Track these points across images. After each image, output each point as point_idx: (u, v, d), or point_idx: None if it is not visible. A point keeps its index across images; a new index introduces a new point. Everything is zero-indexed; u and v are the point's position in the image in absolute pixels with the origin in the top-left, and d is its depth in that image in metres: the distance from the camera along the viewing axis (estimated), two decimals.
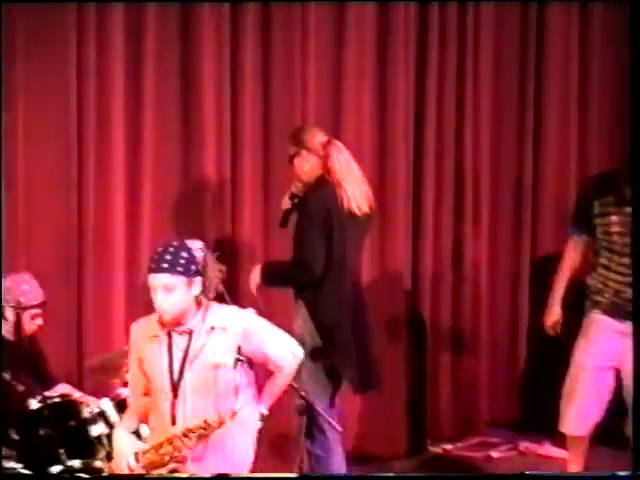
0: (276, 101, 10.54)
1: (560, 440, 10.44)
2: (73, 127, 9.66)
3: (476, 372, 11.57)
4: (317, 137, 9.15)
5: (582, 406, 9.07)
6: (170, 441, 6.82)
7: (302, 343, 8.47)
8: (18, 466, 7.69)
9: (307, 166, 9.06)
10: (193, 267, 6.92)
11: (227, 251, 9.99)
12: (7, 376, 8.03)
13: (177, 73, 10.14)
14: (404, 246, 11.24)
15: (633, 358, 8.39)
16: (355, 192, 9.04)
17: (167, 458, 6.87)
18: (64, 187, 9.68)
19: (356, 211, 8.96)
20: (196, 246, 7.19)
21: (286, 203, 9.21)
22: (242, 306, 8.21)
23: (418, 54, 11.26)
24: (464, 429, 11.40)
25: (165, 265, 6.78)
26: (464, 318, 11.54)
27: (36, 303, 8.42)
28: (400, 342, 11.10)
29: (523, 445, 11.00)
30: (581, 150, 11.99)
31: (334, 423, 8.77)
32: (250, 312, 7.25)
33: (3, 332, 8.48)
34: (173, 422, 6.90)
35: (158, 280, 6.81)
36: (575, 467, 9.15)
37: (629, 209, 8.89)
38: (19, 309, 8.40)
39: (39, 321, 8.43)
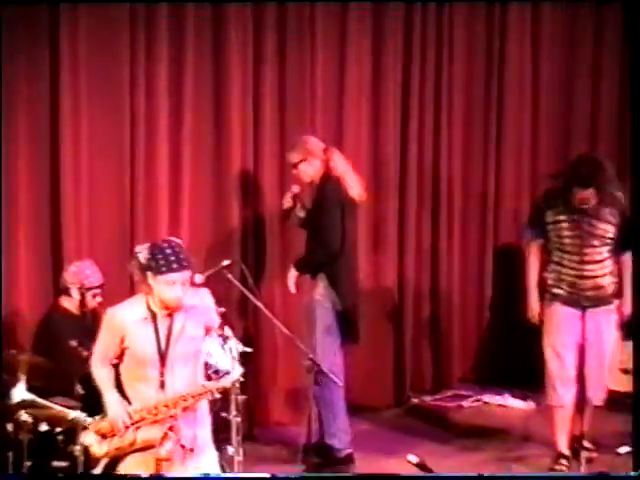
0: (290, 111, 10.62)
1: (517, 393, 11.32)
2: (126, 139, 9.75)
3: (450, 337, 11.75)
4: (318, 145, 9.59)
5: (558, 380, 9.12)
6: (166, 404, 6.91)
7: (322, 307, 9.38)
8: (83, 414, 7.56)
9: (312, 170, 9.50)
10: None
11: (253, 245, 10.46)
12: (74, 343, 8.32)
13: (210, 92, 10.19)
14: (395, 240, 11.43)
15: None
16: (354, 184, 9.55)
17: (160, 416, 6.94)
18: (119, 189, 9.81)
19: (357, 198, 9.53)
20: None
21: (287, 202, 9.64)
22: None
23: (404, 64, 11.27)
24: (440, 384, 11.65)
25: (185, 263, 6.86)
26: (441, 294, 11.69)
27: (96, 284, 8.68)
28: (389, 312, 11.34)
29: (487, 397, 11.33)
30: (534, 161, 12.05)
31: (336, 379, 9.09)
32: (205, 291, 7.37)
33: (70, 307, 8.76)
34: (162, 387, 6.99)
35: (182, 276, 6.88)
36: (562, 435, 9.11)
37: (576, 216, 9.04)
38: (83, 289, 8.68)
39: (99, 299, 8.64)
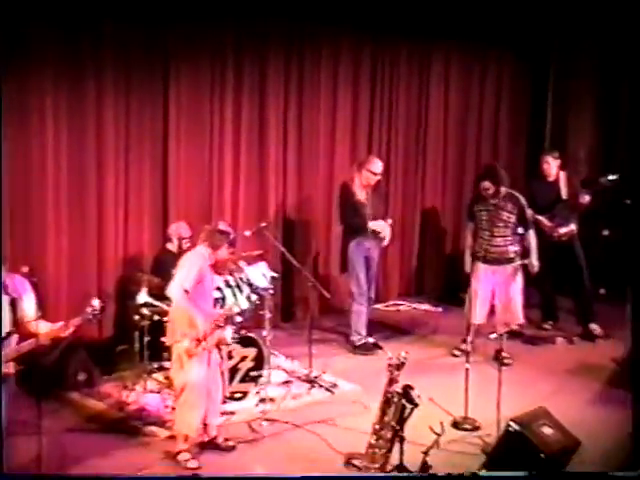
0: (305, 136, 10.62)
1: (433, 303, 11.61)
2: (207, 152, 9.91)
3: (394, 265, 11.72)
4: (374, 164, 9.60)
5: (474, 308, 9.06)
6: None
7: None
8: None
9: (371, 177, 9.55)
10: None
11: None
12: (174, 271, 7.66)
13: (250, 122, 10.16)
14: None
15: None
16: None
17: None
18: (202, 175, 9.93)
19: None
20: None
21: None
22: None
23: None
24: (387, 296, 11.66)
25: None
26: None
27: (187, 236, 8.91)
28: None
29: (415, 305, 11.61)
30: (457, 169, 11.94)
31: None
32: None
33: (172, 249, 8.96)
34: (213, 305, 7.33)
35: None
36: (470, 336, 8.73)
37: (489, 207, 9.20)
38: (179, 239, 8.98)
39: (189, 244, 8.69)
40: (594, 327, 10.22)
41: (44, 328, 6.45)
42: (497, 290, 9.37)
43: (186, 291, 7.01)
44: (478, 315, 9.18)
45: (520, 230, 9.24)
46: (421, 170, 11.59)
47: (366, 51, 10.71)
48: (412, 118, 11.37)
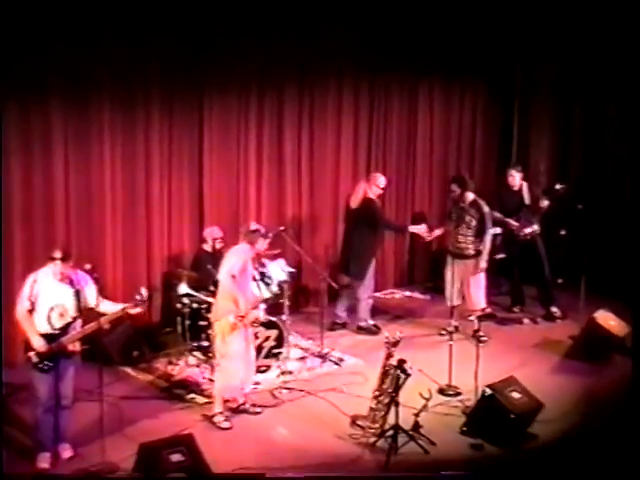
0: (315, 153, 10.37)
1: (422, 291, 11.15)
2: (235, 169, 9.74)
3: (389, 257, 11.17)
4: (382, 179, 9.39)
5: (448, 292, 9.03)
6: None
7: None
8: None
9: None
10: None
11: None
12: (209, 267, 8.07)
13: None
14: None
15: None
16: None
17: None
18: (230, 184, 9.73)
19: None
20: None
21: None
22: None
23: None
24: (382, 285, 11.04)
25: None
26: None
27: (219, 237, 8.81)
28: None
29: (407, 293, 11.16)
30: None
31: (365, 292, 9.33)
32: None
33: (207, 249, 8.83)
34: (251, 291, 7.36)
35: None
36: (454, 319, 8.58)
37: (458, 212, 9.09)
38: (213, 240, 8.86)
39: (221, 244, 8.68)
40: (554, 310, 10.13)
41: (107, 306, 6.58)
42: (462, 280, 9.23)
43: (233, 276, 7.08)
44: (450, 298, 9.03)
45: (482, 233, 9.12)
46: (411, 180, 11.45)
47: (364, 85, 10.61)
48: (403, 138, 11.22)
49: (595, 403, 7.52)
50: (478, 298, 9.29)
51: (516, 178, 10.09)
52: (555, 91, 11.67)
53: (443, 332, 9.13)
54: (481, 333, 8.78)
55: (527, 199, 10.09)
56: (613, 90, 10.84)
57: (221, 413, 7.34)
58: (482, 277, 9.31)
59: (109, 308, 6.58)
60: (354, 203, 9.36)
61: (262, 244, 7.37)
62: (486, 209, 9.15)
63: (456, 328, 8.67)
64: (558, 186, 10.07)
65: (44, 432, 6.51)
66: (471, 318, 8.82)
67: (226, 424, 7.29)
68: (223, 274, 7.19)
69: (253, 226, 7.64)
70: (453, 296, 9.01)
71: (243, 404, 7.54)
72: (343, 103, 10.50)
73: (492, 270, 10.13)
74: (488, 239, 9.21)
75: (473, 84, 11.61)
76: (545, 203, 9.96)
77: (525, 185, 10.14)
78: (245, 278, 7.25)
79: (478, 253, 9.18)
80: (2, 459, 6.08)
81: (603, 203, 10.73)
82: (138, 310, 6.66)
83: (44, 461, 6.53)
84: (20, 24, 7.81)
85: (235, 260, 7.20)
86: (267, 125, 9.88)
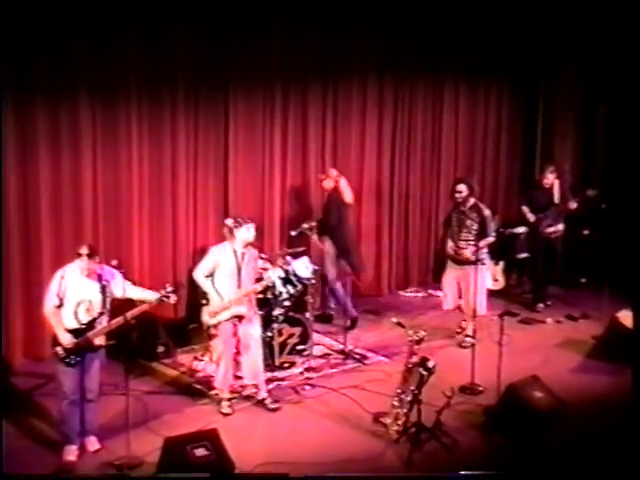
0: (339, 154, 10.33)
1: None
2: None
3: (413, 259, 11.21)
4: (335, 172, 9.56)
5: (445, 296, 9.08)
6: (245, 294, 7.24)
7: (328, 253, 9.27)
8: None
9: (329, 184, 9.52)
10: None
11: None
12: None
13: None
14: None
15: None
16: (349, 194, 9.54)
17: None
18: (255, 181, 9.73)
19: (349, 201, 9.52)
20: None
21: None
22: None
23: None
24: (407, 284, 11.21)
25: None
26: (410, 237, 11.14)
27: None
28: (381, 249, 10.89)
29: (430, 291, 10.88)
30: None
31: (339, 289, 9.38)
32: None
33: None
34: (239, 286, 7.25)
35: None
36: (470, 329, 8.62)
37: (459, 216, 8.90)
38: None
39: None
40: (540, 306, 10.28)
41: (134, 291, 6.71)
42: (462, 286, 9.01)
43: (206, 276, 7.30)
44: (447, 302, 9.14)
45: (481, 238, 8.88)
46: (436, 180, 11.34)
47: (389, 83, 10.53)
48: (427, 137, 11.12)
49: (616, 403, 7.42)
50: (480, 306, 8.92)
51: (550, 178, 10.19)
52: (579, 90, 11.71)
53: (468, 337, 8.97)
54: (504, 332, 8.60)
55: (557, 198, 10.20)
56: (637, 89, 10.75)
57: (226, 399, 7.50)
58: (484, 283, 9.02)
59: (136, 293, 6.72)
60: (348, 198, 9.52)
61: (245, 234, 7.34)
62: (487, 212, 8.95)
63: (476, 327, 8.59)
64: (590, 192, 10.21)
65: (70, 425, 6.57)
66: (494, 318, 8.70)
67: (227, 409, 7.43)
68: (194, 272, 7.45)
69: (227, 222, 7.60)
70: (446, 300, 9.10)
71: (263, 399, 7.63)
72: (367, 101, 10.46)
73: (515, 270, 10.28)
74: (488, 240, 8.96)
75: (498, 83, 11.55)
76: (573, 205, 10.06)
77: (557, 183, 10.22)
78: (223, 275, 7.29)
79: (479, 260, 8.78)
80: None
81: (627, 203, 10.61)
82: (175, 298, 6.73)
83: (71, 454, 6.59)
84: (47, 24, 7.91)
85: (206, 259, 7.35)
86: (291, 123, 9.87)
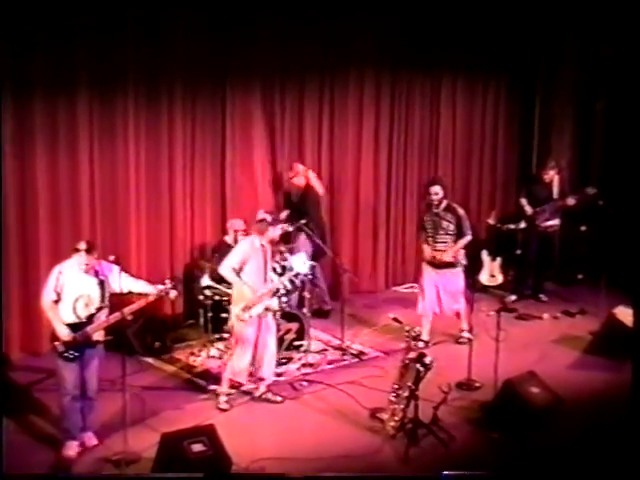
0: (335, 150, 10.31)
1: None
2: (257, 150, 9.66)
3: (409, 257, 11.04)
4: (302, 167, 9.60)
5: (422, 302, 8.91)
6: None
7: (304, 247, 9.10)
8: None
9: (300, 180, 9.55)
10: None
11: None
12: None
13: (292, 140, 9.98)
14: None
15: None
16: (319, 186, 9.62)
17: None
18: (252, 177, 9.68)
19: (321, 193, 9.60)
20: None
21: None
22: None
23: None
24: (402, 280, 11.09)
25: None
26: (407, 239, 11.03)
27: (241, 229, 8.70)
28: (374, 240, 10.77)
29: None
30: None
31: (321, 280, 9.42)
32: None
33: (229, 241, 8.73)
34: (265, 280, 7.27)
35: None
36: (425, 333, 8.61)
37: (434, 218, 8.71)
38: (234, 232, 8.78)
39: (244, 236, 8.29)
40: (513, 298, 10.25)
41: (136, 286, 6.72)
42: (440, 290, 8.84)
43: (233, 269, 7.19)
44: (424, 309, 8.91)
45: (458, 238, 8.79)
46: (433, 175, 11.03)
47: (386, 78, 10.47)
48: (425, 133, 11.07)
49: (613, 399, 7.38)
50: (460, 309, 8.96)
51: (550, 173, 10.29)
52: (577, 87, 11.68)
53: (465, 333, 9.00)
54: (501, 328, 8.62)
55: (556, 193, 10.21)
56: (635, 86, 10.68)
57: (225, 394, 7.45)
58: (461, 285, 8.92)
59: (137, 287, 6.74)
60: (321, 191, 9.62)
61: (273, 232, 7.35)
62: (461, 211, 8.82)
63: (472, 324, 8.64)
64: (590, 190, 10.22)
65: (71, 420, 6.55)
66: (491, 313, 8.71)
67: (224, 405, 7.38)
68: (221, 267, 7.32)
69: (260, 215, 7.63)
70: (423, 307, 8.91)
71: (265, 393, 7.63)
72: (364, 97, 10.41)
73: (514, 266, 10.23)
74: (467, 239, 8.83)
75: (496, 80, 11.51)
76: (572, 202, 10.07)
77: (557, 179, 10.25)
78: (252, 270, 7.28)
79: (457, 263, 8.77)
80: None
81: (624, 199, 10.60)
82: (175, 293, 6.77)
83: (71, 449, 6.57)
84: (45, 20, 7.92)
85: (234, 253, 7.31)
86: (288, 119, 9.83)
